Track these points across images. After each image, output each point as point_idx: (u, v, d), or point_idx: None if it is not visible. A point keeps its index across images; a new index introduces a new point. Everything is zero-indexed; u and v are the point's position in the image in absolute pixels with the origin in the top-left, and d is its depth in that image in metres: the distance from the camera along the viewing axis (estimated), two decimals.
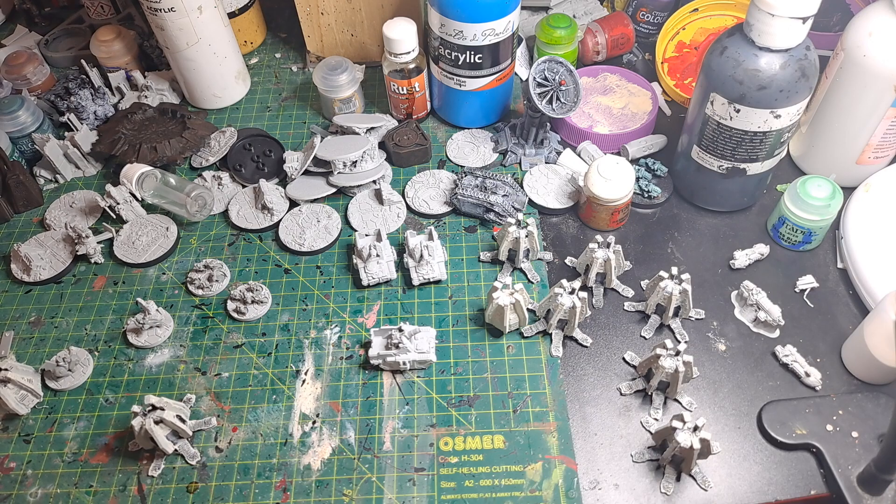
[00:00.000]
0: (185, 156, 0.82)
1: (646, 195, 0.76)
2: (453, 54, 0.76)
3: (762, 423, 0.60)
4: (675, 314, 0.66)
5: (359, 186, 0.79)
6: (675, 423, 0.55)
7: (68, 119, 0.84)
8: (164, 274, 0.75)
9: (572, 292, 0.64)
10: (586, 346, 0.66)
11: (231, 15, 0.92)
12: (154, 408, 0.59)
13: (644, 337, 0.67)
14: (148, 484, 0.60)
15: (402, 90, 0.82)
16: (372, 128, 0.82)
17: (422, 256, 0.70)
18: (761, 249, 0.71)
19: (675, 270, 0.64)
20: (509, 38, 0.76)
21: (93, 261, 0.75)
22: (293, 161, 0.79)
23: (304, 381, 0.66)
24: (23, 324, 0.71)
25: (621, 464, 0.59)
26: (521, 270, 0.72)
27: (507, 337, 0.68)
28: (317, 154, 0.78)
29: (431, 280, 0.71)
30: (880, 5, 0.65)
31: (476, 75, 0.78)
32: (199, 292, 0.72)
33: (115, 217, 0.78)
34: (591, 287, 0.70)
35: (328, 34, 0.90)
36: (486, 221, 0.76)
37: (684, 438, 0.54)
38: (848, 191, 0.74)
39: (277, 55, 0.98)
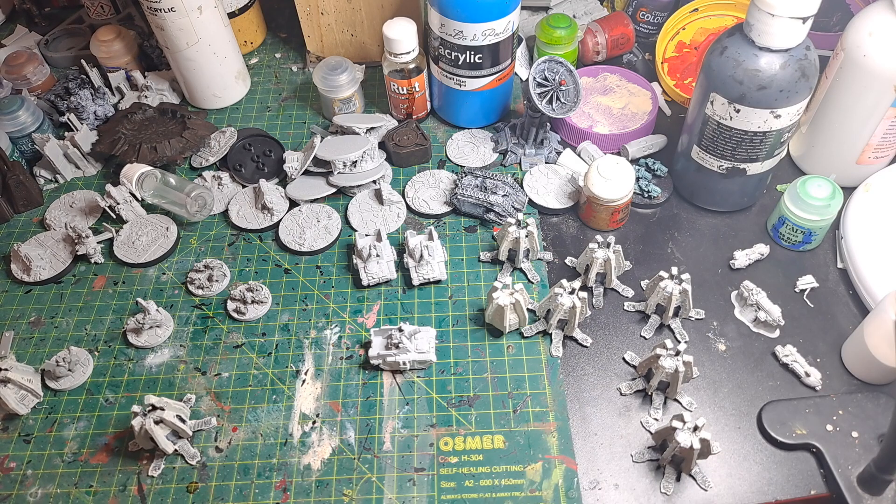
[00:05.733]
0: (185, 156, 0.82)
1: (646, 195, 0.76)
2: (453, 54, 0.76)
3: (762, 423, 0.60)
4: (675, 314, 0.66)
5: (359, 186, 0.79)
6: (675, 423, 0.55)
7: (68, 119, 0.84)
8: (164, 274, 0.75)
9: (572, 292, 0.64)
10: (586, 346, 0.66)
11: (231, 15, 0.92)
12: (154, 408, 0.59)
13: (644, 337, 0.67)
14: (148, 484, 0.60)
15: (402, 90, 0.82)
16: (372, 128, 0.82)
17: (422, 256, 0.70)
18: (761, 249, 0.71)
19: (675, 270, 0.64)
20: (509, 38, 0.76)
21: (93, 261, 0.75)
22: (293, 161, 0.79)
23: (304, 381, 0.66)
24: (23, 324, 0.71)
25: (621, 464, 0.59)
26: (521, 270, 0.72)
27: (507, 337, 0.68)
28: (317, 154, 0.78)
29: (431, 280, 0.71)
30: (880, 5, 0.65)
31: (476, 75, 0.78)
32: (199, 292, 0.72)
33: (115, 217, 0.78)
34: (591, 287, 0.70)
35: (328, 34, 0.90)
36: (486, 221, 0.76)
37: (684, 438, 0.54)
38: (848, 191, 0.74)
39: (277, 55, 0.98)
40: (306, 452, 0.61)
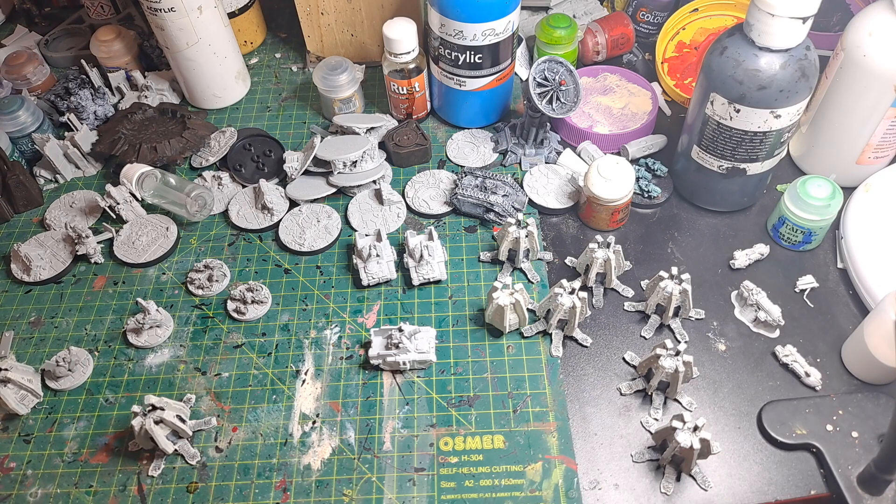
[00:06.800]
0: (185, 156, 0.82)
1: (646, 195, 0.76)
2: (453, 54, 0.76)
3: (762, 423, 0.60)
4: (675, 314, 0.66)
5: (359, 186, 0.79)
6: (675, 423, 0.55)
7: (68, 119, 0.84)
8: (164, 274, 0.75)
9: (572, 292, 0.64)
10: (586, 346, 0.66)
11: (231, 15, 0.92)
12: (154, 408, 0.59)
13: (644, 337, 0.67)
14: (148, 484, 0.60)
15: (402, 90, 0.82)
16: (372, 128, 0.82)
17: (422, 256, 0.70)
18: (761, 249, 0.71)
19: (675, 270, 0.64)
20: (509, 38, 0.76)
21: (93, 261, 0.75)
22: (293, 161, 0.79)
23: (304, 381, 0.66)
24: (23, 324, 0.71)
25: (621, 464, 0.59)
26: (521, 270, 0.72)
27: (507, 337, 0.68)
28: (317, 154, 0.78)
29: (431, 280, 0.71)
30: (880, 5, 0.65)
31: (476, 75, 0.78)
32: (199, 292, 0.72)
33: (115, 217, 0.78)
34: (591, 287, 0.70)
35: (328, 34, 0.90)
36: (486, 221, 0.76)
37: (684, 438, 0.54)
38: (848, 191, 0.74)
39: (277, 55, 0.98)
40: (306, 452, 0.61)
